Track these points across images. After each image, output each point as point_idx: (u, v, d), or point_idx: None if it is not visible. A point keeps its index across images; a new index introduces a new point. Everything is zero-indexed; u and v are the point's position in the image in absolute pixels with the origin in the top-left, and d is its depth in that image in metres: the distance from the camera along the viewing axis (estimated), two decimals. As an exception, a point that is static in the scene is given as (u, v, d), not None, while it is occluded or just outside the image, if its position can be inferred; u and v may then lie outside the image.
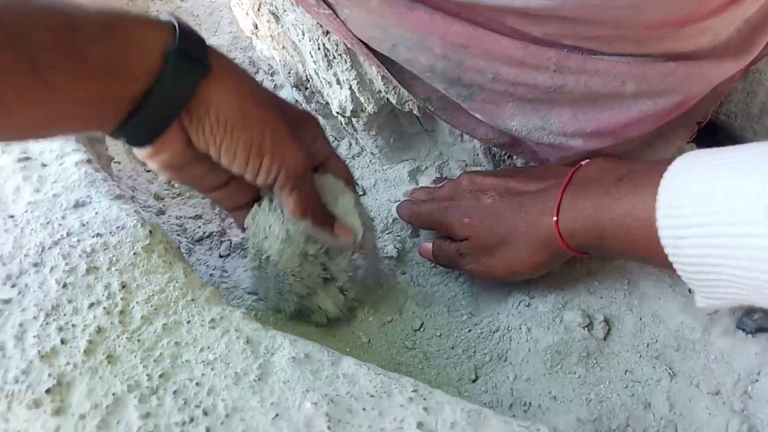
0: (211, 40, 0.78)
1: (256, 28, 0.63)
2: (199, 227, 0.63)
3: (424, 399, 0.36)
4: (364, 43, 0.52)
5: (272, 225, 0.46)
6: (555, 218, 0.47)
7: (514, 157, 0.69)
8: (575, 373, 0.50)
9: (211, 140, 0.40)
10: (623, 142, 0.52)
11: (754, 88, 0.60)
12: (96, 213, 0.44)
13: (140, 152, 0.41)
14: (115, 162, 0.63)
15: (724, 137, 0.63)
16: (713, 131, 0.64)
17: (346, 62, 0.58)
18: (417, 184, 0.68)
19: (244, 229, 0.49)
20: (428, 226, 0.59)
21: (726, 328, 0.48)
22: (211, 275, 0.56)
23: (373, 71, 0.59)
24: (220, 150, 0.40)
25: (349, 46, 0.54)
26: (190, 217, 0.64)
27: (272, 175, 0.43)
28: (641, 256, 0.44)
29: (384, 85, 0.60)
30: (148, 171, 0.66)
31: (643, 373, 0.49)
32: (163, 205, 0.64)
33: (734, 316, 0.48)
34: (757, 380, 0.46)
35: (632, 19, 0.44)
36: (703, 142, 0.62)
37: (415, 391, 0.37)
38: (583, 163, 0.49)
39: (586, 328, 0.52)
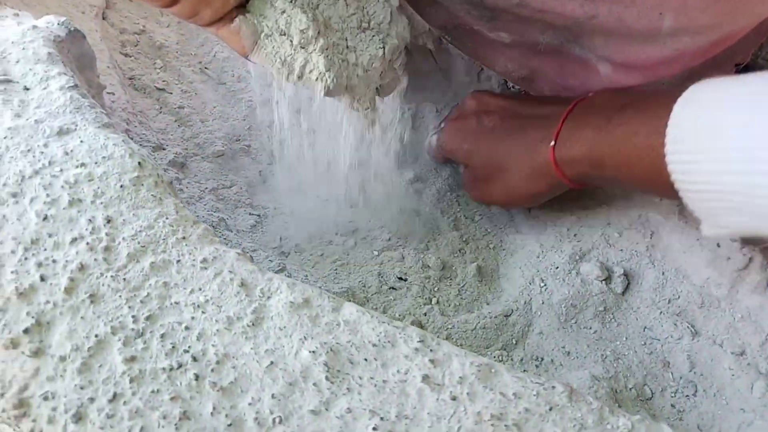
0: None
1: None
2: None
3: (431, 351, 0.34)
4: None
5: None
6: (552, 144, 0.46)
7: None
8: (591, 328, 0.47)
9: None
10: (653, 81, 0.48)
11: (800, 28, 0.54)
12: (81, 141, 0.40)
13: None
14: (108, 93, 0.60)
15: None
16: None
17: (355, -13, 0.53)
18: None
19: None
20: (440, 155, 0.59)
21: (755, 285, 0.45)
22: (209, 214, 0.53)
23: (386, -2, 0.54)
24: None
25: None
26: (192, 153, 0.60)
27: None
28: (642, 183, 0.41)
29: (398, 13, 0.56)
30: (147, 99, 0.62)
31: (662, 330, 0.46)
32: (163, 139, 0.60)
33: (766, 272, 0.45)
34: (786, 341, 0.43)
35: None
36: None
37: (421, 341, 0.34)
38: (590, 93, 0.48)
39: (604, 282, 0.49)
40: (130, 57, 0.68)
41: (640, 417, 0.32)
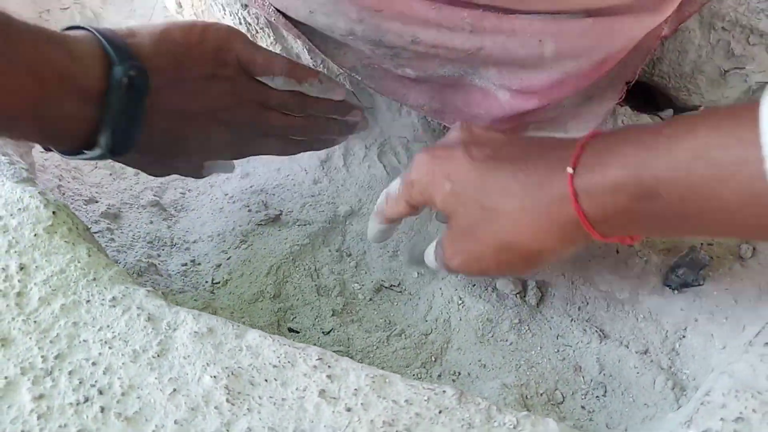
0: (145, 25, 0.77)
1: (180, 6, 0.62)
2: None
3: (329, 367, 0.36)
4: (281, 12, 0.51)
5: None
6: (570, 170, 0.34)
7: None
8: (507, 341, 0.49)
9: None
10: (552, 103, 0.52)
11: (684, 47, 0.59)
12: (-2, 197, 0.42)
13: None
14: (41, 151, 0.62)
15: (660, 98, 0.63)
16: (648, 92, 0.63)
17: (269, 36, 0.57)
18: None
19: None
20: (407, 210, 0.44)
21: (654, 286, 0.48)
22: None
23: (299, 45, 0.58)
24: None
25: (267, 17, 0.52)
26: (126, 203, 0.62)
27: None
28: (725, 214, 0.30)
29: (311, 58, 0.59)
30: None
31: (574, 336, 0.49)
32: (97, 192, 0.62)
33: (662, 273, 0.48)
34: (684, 336, 0.46)
35: None
36: (637, 104, 0.62)
37: (320, 359, 0.36)
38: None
39: (518, 295, 0.51)
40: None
41: (526, 413, 0.34)
